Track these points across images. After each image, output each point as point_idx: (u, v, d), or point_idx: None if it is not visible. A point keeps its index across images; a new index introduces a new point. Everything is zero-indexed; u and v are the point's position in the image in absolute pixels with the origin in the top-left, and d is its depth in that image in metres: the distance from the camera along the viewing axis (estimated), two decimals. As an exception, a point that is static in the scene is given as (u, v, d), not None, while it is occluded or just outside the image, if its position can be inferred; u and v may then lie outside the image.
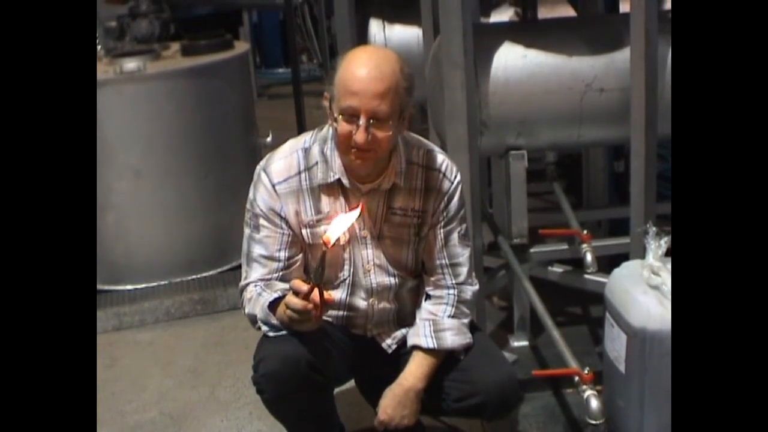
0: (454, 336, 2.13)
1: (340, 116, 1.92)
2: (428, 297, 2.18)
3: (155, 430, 2.75)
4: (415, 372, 2.12)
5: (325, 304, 1.88)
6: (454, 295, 2.16)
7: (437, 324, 2.13)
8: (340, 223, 1.87)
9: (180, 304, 3.54)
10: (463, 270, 2.17)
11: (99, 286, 3.57)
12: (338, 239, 1.86)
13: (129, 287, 3.65)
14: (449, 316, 2.14)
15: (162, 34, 4.22)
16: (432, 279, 2.17)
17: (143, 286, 3.65)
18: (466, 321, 2.17)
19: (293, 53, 4.91)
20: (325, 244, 1.82)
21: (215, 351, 3.23)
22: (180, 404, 2.88)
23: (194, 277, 3.70)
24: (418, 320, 2.17)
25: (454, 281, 2.16)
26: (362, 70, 1.90)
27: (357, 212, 1.92)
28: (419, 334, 2.13)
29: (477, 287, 2.22)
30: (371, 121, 1.91)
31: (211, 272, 3.73)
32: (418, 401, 2.12)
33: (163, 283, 3.66)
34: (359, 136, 1.91)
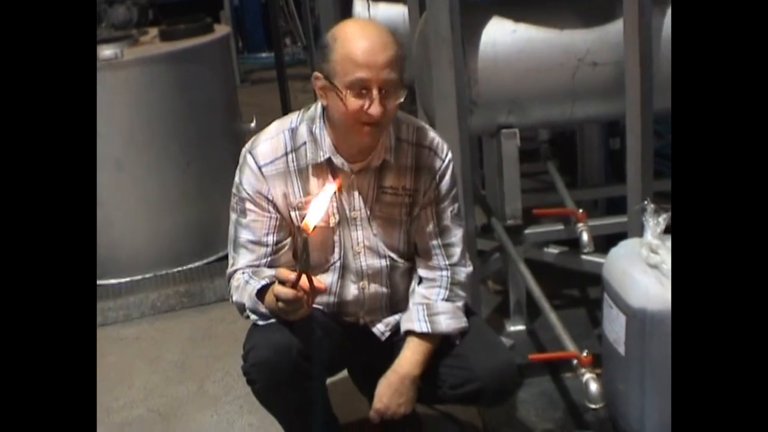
0: (449, 320, 2.12)
1: (348, 92, 1.90)
2: (421, 281, 2.18)
3: (143, 427, 2.74)
4: (410, 358, 2.11)
5: (315, 290, 1.87)
6: (448, 277, 2.15)
7: (431, 308, 2.12)
8: (316, 206, 1.85)
9: (166, 298, 3.53)
10: (456, 251, 2.16)
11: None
12: (318, 223, 1.84)
13: (113, 281, 3.63)
14: (443, 300, 2.13)
15: (140, 20, 4.19)
16: (424, 261, 2.16)
17: (127, 279, 3.64)
18: (460, 304, 2.16)
19: (276, 37, 4.89)
20: (304, 230, 1.80)
21: (203, 344, 3.23)
22: (168, 400, 2.87)
23: (180, 269, 3.69)
24: (411, 305, 2.16)
25: (447, 262, 2.15)
26: (365, 42, 1.89)
27: (331, 189, 1.90)
28: (412, 319, 2.12)
29: (471, 269, 2.21)
30: (383, 91, 1.90)
31: (197, 264, 3.72)
32: (414, 388, 2.12)
33: (147, 276, 3.65)
34: (375, 109, 1.89)
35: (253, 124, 3.95)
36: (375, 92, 1.89)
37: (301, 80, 6.36)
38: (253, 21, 8.58)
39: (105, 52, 3.49)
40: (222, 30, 4.00)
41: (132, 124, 3.54)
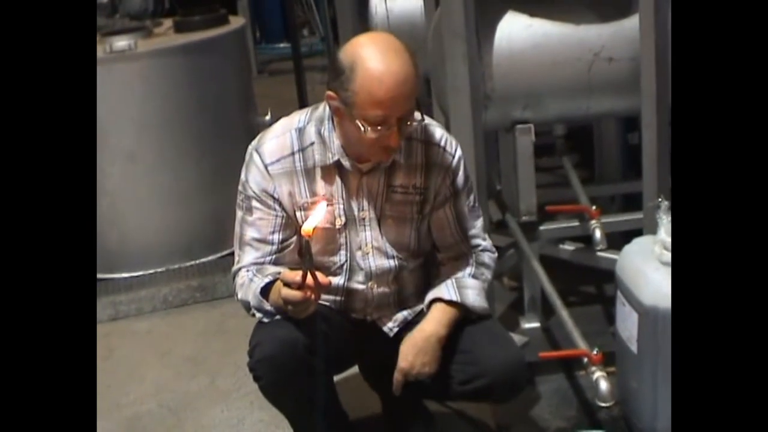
0: (476, 295, 2.16)
1: (367, 125, 1.93)
2: (444, 264, 2.22)
3: (153, 422, 2.79)
4: (437, 317, 2.13)
5: (321, 286, 1.91)
6: (473, 258, 2.21)
7: (460, 281, 2.17)
8: (316, 215, 1.90)
9: (178, 292, 3.58)
10: (478, 240, 2.23)
11: (94, 275, 3.62)
12: (317, 225, 1.88)
13: (125, 275, 3.69)
14: (470, 275, 2.18)
15: (156, 10, 4.23)
16: (447, 254, 2.22)
17: (139, 273, 3.70)
18: (485, 286, 2.21)
19: (293, 27, 4.93)
20: (305, 235, 1.84)
21: (215, 339, 3.28)
22: (179, 395, 2.92)
23: (192, 263, 3.74)
24: (438, 282, 2.19)
25: (471, 250, 2.22)
26: (388, 79, 1.89)
27: (325, 205, 1.97)
28: (441, 289, 2.16)
29: (495, 254, 2.27)
30: (402, 122, 1.95)
31: (210, 257, 3.77)
32: (439, 348, 2.12)
33: (160, 270, 3.71)
34: (395, 141, 1.96)
35: (268, 117, 3.99)
36: (395, 126, 1.94)
37: (318, 71, 6.40)
38: (271, 10, 8.59)
39: (118, 43, 3.55)
40: (237, 21, 4.05)
41: (145, 116, 3.60)
